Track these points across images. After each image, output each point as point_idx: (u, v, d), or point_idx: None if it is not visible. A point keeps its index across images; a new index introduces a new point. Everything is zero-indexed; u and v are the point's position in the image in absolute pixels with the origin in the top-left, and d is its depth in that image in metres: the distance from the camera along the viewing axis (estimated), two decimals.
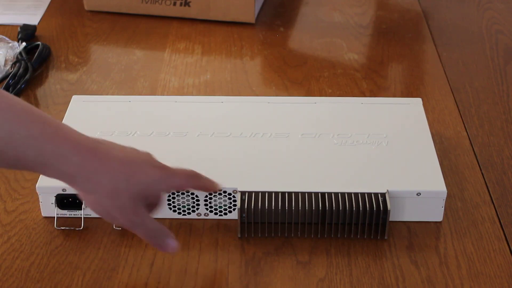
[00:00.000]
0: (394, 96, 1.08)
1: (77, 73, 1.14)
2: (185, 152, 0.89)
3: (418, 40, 1.23)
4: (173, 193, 0.84)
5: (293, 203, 0.82)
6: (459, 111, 1.04)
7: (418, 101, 0.97)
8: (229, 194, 0.84)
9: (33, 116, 0.67)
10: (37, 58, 1.14)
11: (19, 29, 1.22)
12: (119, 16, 1.29)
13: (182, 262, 0.80)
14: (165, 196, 0.81)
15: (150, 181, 0.71)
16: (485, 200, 0.88)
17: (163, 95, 1.08)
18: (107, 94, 1.08)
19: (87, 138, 0.70)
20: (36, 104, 1.06)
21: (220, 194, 0.84)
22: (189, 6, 1.26)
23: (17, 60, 1.12)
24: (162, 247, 0.74)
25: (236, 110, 0.96)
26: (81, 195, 0.71)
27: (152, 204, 0.75)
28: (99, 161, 0.68)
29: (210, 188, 0.78)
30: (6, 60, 1.13)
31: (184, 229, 0.84)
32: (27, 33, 1.21)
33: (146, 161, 0.72)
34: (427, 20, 1.29)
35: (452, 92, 1.09)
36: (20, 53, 1.14)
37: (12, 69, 1.11)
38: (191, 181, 0.75)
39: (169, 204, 0.84)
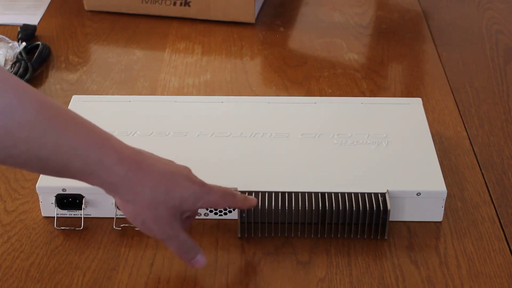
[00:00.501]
0: (394, 96, 1.08)
1: (77, 73, 1.14)
2: (185, 152, 0.89)
3: (418, 40, 1.23)
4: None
5: (293, 203, 0.82)
6: (459, 111, 1.04)
7: (418, 101, 0.98)
8: None
9: (79, 126, 0.67)
10: (37, 58, 1.14)
11: (19, 29, 1.22)
12: (119, 16, 1.29)
13: (182, 262, 0.80)
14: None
15: (188, 195, 0.72)
16: (485, 200, 0.88)
17: (163, 95, 1.08)
18: (107, 94, 1.08)
19: (131, 149, 0.70)
20: None
21: None
22: (189, 6, 1.26)
23: (17, 60, 1.12)
24: (192, 262, 0.75)
25: (236, 110, 0.96)
26: (120, 204, 0.72)
27: (187, 219, 0.77)
28: (143, 172, 0.69)
29: (246, 206, 0.78)
30: (6, 60, 1.13)
31: None
32: (27, 33, 1.21)
33: (186, 176, 0.73)
34: (427, 20, 1.29)
35: (452, 92, 1.09)
36: (20, 53, 1.14)
37: (12, 69, 1.10)
38: (227, 199, 0.76)
39: None
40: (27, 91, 0.64)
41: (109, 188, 0.70)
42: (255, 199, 0.80)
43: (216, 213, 0.85)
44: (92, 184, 0.69)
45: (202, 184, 0.73)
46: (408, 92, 1.10)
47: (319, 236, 0.83)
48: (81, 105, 0.97)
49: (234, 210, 0.84)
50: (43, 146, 0.64)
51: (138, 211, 0.71)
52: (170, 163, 0.73)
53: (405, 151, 0.89)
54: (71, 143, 0.66)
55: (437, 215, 0.85)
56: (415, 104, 0.97)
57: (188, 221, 0.78)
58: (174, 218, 0.72)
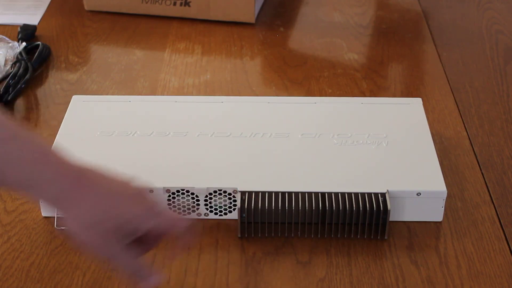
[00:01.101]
0: (394, 96, 1.08)
1: (77, 73, 1.14)
2: (185, 152, 0.89)
3: (418, 40, 1.23)
4: (173, 193, 0.84)
5: (293, 203, 0.82)
6: (459, 111, 1.04)
7: (418, 101, 0.97)
8: (229, 194, 0.84)
9: (21, 138, 0.66)
10: (37, 58, 1.14)
11: (19, 29, 1.22)
12: (119, 16, 1.29)
13: (182, 262, 0.80)
14: (161, 237, 0.74)
15: (130, 217, 0.68)
16: (485, 200, 0.88)
17: (163, 95, 1.08)
18: (107, 94, 1.08)
19: (75, 165, 0.68)
20: (36, 104, 1.06)
21: (220, 194, 0.84)
22: (189, 6, 1.26)
23: (17, 60, 1.12)
24: (140, 284, 0.70)
25: (236, 110, 0.96)
26: (65, 221, 0.69)
27: (145, 243, 0.71)
28: (82, 189, 0.67)
29: (187, 234, 0.73)
30: (6, 60, 1.13)
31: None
32: (27, 33, 1.21)
33: (132, 197, 0.69)
34: (427, 20, 1.29)
35: (452, 92, 1.09)
36: (20, 53, 1.14)
37: (12, 69, 1.10)
38: (175, 227, 0.71)
39: (169, 204, 0.84)
40: None
41: (51, 203, 0.68)
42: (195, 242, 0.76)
43: (216, 213, 0.85)
44: (34, 198, 0.67)
45: (150, 207, 0.69)
46: (408, 92, 1.10)
47: (319, 236, 0.83)
48: (81, 105, 0.97)
49: (233, 208, 0.85)
50: None
51: (79, 229, 0.68)
52: (118, 182, 0.69)
53: (405, 151, 0.89)
54: (9, 155, 0.64)
55: (437, 215, 0.85)
56: (415, 104, 0.97)
57: (146, 245, 0.71)
58: (116, 239, 0.68)
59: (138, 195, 0.69)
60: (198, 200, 0.84)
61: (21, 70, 1.10)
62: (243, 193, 0.82)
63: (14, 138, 0.65)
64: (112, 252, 0.68)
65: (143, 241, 0.71)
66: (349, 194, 0.82)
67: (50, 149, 0.68)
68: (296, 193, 0.83)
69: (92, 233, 0.67)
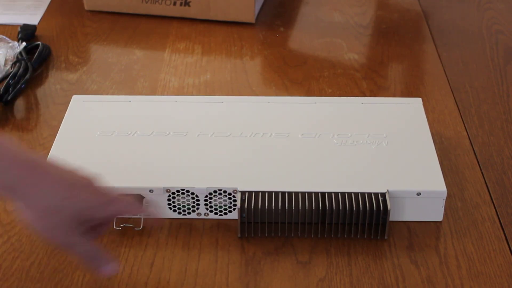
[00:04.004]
0: (394, 96, 1.08)
1: (77, 73, 1.14)
2: (185, 152, 0.89)
3: (418, 40, 1.23)
4: (173, 193, 0.84)
5: (293, 203, 0.82)
6: (459, 111, 1.04)
7: (418, 101, 0.97)
8: (229, 194, 0.84)
9: None
10: (37, 58, 1.14)
11: (19, 29, 1.22)
12: (119, 16, 1.29)
13: (182, 262, 0.80)
14: (112, 221, 0.79)
15: (85, 206, 0.70)
16: (485, 200, 0.88)
17: (163, 95, 1.08)
18: (107, 94, 1.08)
19: (29, 155, 0.69)
20: (36, 104, 1.06)
21: (220, 194, 0.84)
22: (189, 6, 1.26)
23: (17, 60, 1.12)
24: (97, 271, 0.73)
25: (236, 110, 0.96)
26: (19, 211, 0.70)
27: (97, 228, 0.74)
28: (36, 178, 0.68)
29: (152, 214, 0.77)
30: (6, 60, 1.13)
31: (184, 229, 0.84)
32: (27, 33, 1.21)
33: (85, 186, 0.70)
34: (427, 20, 1.29)
35: (452, 92, 1.09)
36: (20, 53, 1.14)
37: (12, 69, 1.10)
38: (131, 208, 0.74)
39: (169, 204, 0.85)
40: None
41: (8, 193, 0.68)
42: (159, 212, 0.78)
43: (216, 213, 0.85)
44: None
45: (103, 194, 0.71)
46: (408, 92, 1.10)
47: (319, 236, 0.83)
48: (81, 105, 0.97)
49: (233, 208, 0.85)
50: None
51: (34, 218, 0.69)
52: (69, 172, 0.71)
53: (405, 151, 0.89)
54: None
55: (437, 215, 0.85)
56: (415, 104, 0.97)
57: (99, 229, 0.75)
58: (72, 227, 0.69)
59: (91, 185, 0.71)
60: (198, 200, 0.84)
61: (21, 70, 1.10)
62: (243, 193, 0.82)
63: None
64: (68, 240, 0.70)
65: (96, 227, 0.73)
66: (349, 194, 0.82)
67: (3, 140, 0.68)
68: (296, 193, 0.83)
69: (48, 221, 0.69)
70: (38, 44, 1.17)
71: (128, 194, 0.74)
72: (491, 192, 0.90)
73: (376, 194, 0.82)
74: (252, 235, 0.83)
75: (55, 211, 0.68)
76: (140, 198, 0.81)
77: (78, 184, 0.70)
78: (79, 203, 0.69)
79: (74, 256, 0.73)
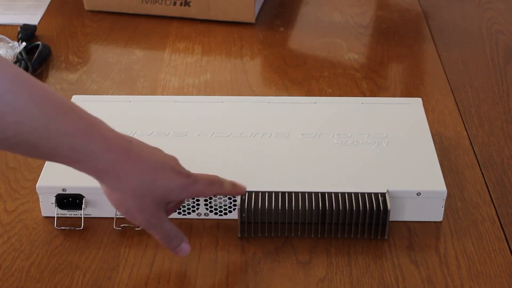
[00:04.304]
0: (394, 96, 1.08)
1: (77, 73, 1.14)
2: (185, 152, 0.89)
3: (418, 40, 1.23)
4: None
5: (293, 203, 0.82)
6: (459, 111, 1.04)
7: (418, 101, 0.98)
8: None
9: (69, 111, 0.67)
10: (37, 58, 1.14)
11: (19, 29, 1.22)
12: (119, 16, 1.29)
13: (182, 262, 0.80)
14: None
15: (174, 187, 0.73)
16: (485, 200, 0.88)
17: (163, 95, 1.08)
18: (107, 94, 1.08)
19: (120, 136, 0.71)
20: None
21: None
22: (189, 6, 1.27)
23: (17, 60, 1.12)
24: (176, 250, 0.76)
25: (236, 110, 0.96)
26: (106, 192, 0.72)
27: (172, 208, 0.78)
28: (130, 161, 0.70)
29: (235, 192, 0.80)
30: None
31: (184, 229, 0.84)
32: (27, 33, 1.21)
33: (172, 167, 0.73)
34: (427, 20, 1.29)
35: (452, 92, 1.09)
36: (20, 53, 1.14)
37: None
38: (213, 188, 0.77)
39: None
40: (19, 74, 0.63)
41: (97, 175, 0.70)
42: (244, 187, 0.81)
43: (216, 213, 0.85)
44: (80, 170, 0.69)
45: (188, 175, 0.74)
46: (408, 92, 1.10)
47: (319, 236, 0.83)
48: (81, 105, 0.97)
49: (233, 208, 0.85)
50: (32, 131, 0.64)
51: (123, 199, 0.71)
52: (157, 152, 0.73)
53: (405, 151, 0.89)
54: (59, 129, 0.65)
55: (437, 215, 0.85)
56: (415, 104, 0.97)
57: (173, 209, 0.79)
58: (159, 208, 0.73)
59: (177, 166, 0.74)
60: (198, 200, 0.84)
61: None
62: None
63: (64, 114, 0.66)
64: (152, 221, 0.73)
65: (174, 206, 0.78)
66: (349, 194, 0.82)
67: (97, 121, 0.70)
68: (296, 193, 0.83)
69: (137, 202, 0.71)
70: (38, 44, 1.17)
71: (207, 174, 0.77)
72: (491, 192, 0.90)
73: (376, 194, 0.82)
74: (252, 235, 0.83)
75: (145, 192, 0.71)
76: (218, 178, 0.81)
77: (166, 166, 0.72)
78: (168, 184, 0.72)
79: (156, 236, 0.75)
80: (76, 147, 0.67)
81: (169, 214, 0.78)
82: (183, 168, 0.74)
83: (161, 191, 0.72)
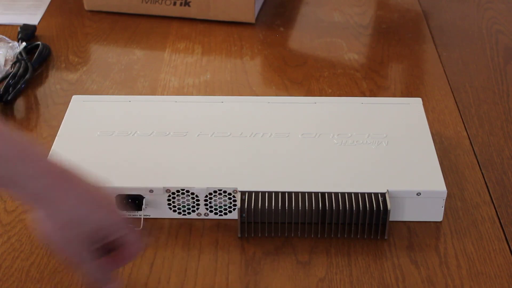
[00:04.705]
0: (394, 96, 1.08)
1: (77, 73, 1.14)
2: (185, 152, 0.89)
3: (418, 40, 1.23)
4: (173, 193, 0.84)
5: (293, 203, 0.82)
6: (459, 111, 1.04)
7: (418, 101, 0.97)
8: (229, 194, 0.84)
9: (4, 136, 0.65)
10: (37, 58, 1.14)
11: (19, 29, 1.22)
12: (119, 16, 1.29)
13: (182, 262, 0.80)
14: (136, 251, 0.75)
15: (107, 224, 0.69)
16: (485, 200, 0.88)
17: (163, 95, 1.08)
18: (107, 94, 1.08)
19: (56, 163, 0.68)
20: (36, 104, 1.06)
21: (220, 194, 0.84)
22: (189, 6, 1.26)
23: (17, 60, 1.12)
24: None
25: (236, 110, 0.96)
26: (38, 221, 0.69)
27: (114, 251, 0.73)
28: (66, 188, 0.67)
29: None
30: (6, 60, 1.13)
31: (184, 229, 0.84)
32: (27, 33, 1.21)
33: (109, 204, 0.70)
34: (427, 20, 1.29)
35: (452, 92, 1.09)
36: (20, 53, 1.14)
37: (12, 69, 1.10)
38: (135, 247, 0.73)
39: (169, 204, 0.85)
40: None
41: (31, 200, 0.68)
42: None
43: (216, 213, 0.85)
44: (16, 197, 0.67)
45: (121, 217, 0.71)
46: (408, 92, 1.10)
47: (319, 236, 0.83)
48: (81, 105, 0.97)
49: (233, 208, 0.85)
50: None
51: (51, 229, 0.68)
52: (96, 188, 0.70)
53: (405, 151, 0.89)
54: None
55: (437, 215, 0.85)
56: (415, 104, 0.97)
57: (99, 253, 0.72)
58: (86, 243, 0.69)
59: (112, 203, 0.71)
60: (198, 200, 0.84)
61: (21, 70, 1.10)
62: (243, 193, 0.82)
63: None
64: (79, 256, 0.69)
65: (104, 249, 0.72)
66: (349, 194, 0.82)
67: (31, 146, 0.67)
68: (296, 193, 0.83)
69: (67, 233, 0.68)
70: (38, 44, 1.17)
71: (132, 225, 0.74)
72: (491, 192, 0.90)
73: (376, 194, 0.82)
74: (252, 235, 0.83)
75: (76, 224, 0.68)
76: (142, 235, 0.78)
77: (102, 201, 0.70)
78: (100, 220, 0.69)
79: (80, 272, 0.73)
80: (8, 170, 0.64)
81: (95, 258, 0.71)
82: (118, 210, 0.71)
83: (91, 226, 0.68)
